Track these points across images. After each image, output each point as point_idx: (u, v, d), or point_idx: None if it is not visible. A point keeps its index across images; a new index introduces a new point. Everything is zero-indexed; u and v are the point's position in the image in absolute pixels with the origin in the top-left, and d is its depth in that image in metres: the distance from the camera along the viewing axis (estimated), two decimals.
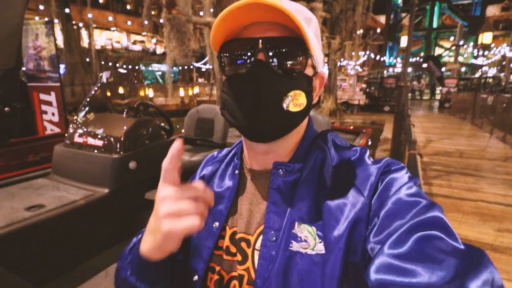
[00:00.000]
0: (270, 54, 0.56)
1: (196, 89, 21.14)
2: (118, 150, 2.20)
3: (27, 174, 2.34)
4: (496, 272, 0.40)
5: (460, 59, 28.56)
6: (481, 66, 25.51)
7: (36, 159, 3.02)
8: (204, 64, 20.84)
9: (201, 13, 10.39)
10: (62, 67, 15.49)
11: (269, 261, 0.57)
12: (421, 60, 25.29)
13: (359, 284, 0.52)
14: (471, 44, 27.07)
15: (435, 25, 28.98)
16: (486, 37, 24.03)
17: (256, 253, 0.61)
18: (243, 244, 0.63)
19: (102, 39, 25.29)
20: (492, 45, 24.94)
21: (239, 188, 0.69)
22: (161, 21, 9.93)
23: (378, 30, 31.75)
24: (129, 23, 26.77)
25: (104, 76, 2.87)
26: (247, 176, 0.68)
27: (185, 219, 0.45)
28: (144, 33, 26.89)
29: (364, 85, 21.05)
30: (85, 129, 2.39)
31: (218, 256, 0.66)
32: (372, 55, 26.46)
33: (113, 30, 26.38)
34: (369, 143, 4.34)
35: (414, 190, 0.53)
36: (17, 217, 1.71)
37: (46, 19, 4.10)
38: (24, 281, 1.10)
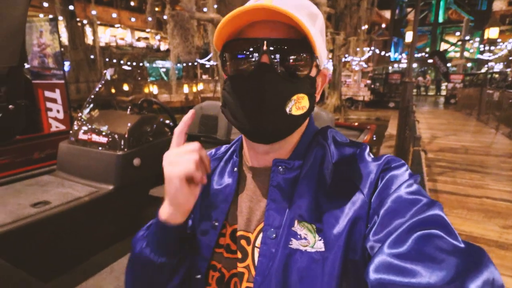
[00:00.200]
0: (275, 56, 0.54)
1: (200, 86, 21.14)
2: (122, 147, 2.21)
3: (32, 171, 2.36)
4: (496, 271, 0.40)
5: (466, 54, 28.27)
6: (487, 61, 25.23)
7: (41, 156, 3.04)
8: (208, 60, 20.83)
9: (205, 9, 10.37)
10: (66, 64, 15.55)
11: (269, 258, 0.57)
12: (427, 55, 25.06)
13: (359, 282, 0.52)
14: (477, 39, 26.75)
15: (440, 20, 28.69)
16: (492, 32, 23.69)
17: (256, 251, 0.61)
18: (243, 242, 0.64)
19: (106, 36, 25.33)
20: (499, 40, 24.60)
21: (238, 185, 0.68)
22: (165, 17, 9.93)
23: (383, 26, 31.45)
24: (133, 19, 26.80)
25: (108, 73, 2.87)
26: (247, 174, 0.68)
27: (182, 164, 0.54)
28: (148, 30, 26.90)
29: (369, 81, 20.91)
30: (89, 126, 2.40)
31: (219, 254, 0.66)
32: (377, 51, 26.28)
33: (117, 27, 26.41)
34: (374, 139, 4.32)
35: (414, 188, 0.53)
36: (23, 213, 1.73)
37: (51, 16, 4.11)
38: (30, 277, 1.12)
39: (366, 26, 15.48)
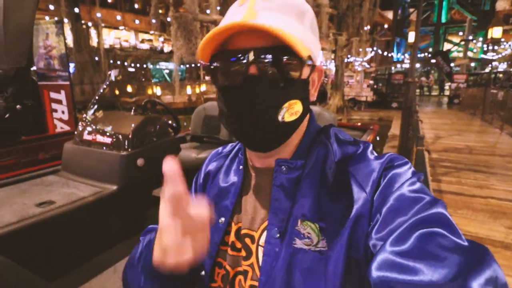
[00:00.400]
0: (263, 66, 0.53)
1: (203, 87, 21.17)
2: (126, 147, 2.22)
3: (37, 171, 2.38)
4: (500, 269, 0.39)
5: (470, 54, 28.14)
6: (491, 61, 25.12)
7: (46, 156, 3.06)
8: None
9: (208, 11, 10.40)
10: (71, 66, 15.65)
11: (273, 257, 0.58)
12: (430, 55, 24.98)
13: (362, 281, 0.52)
14: (481, 39, 26.67)
15: (443, 20, 28.61)
16: (495, 32, 23.58)
17: (260, 249, 0.61)
18: (247, 240, 0.64)
19: (110, 38, 25.47)
20: (502, 40, 24.49)
21: (244, 183, 0.69)
22: (168, 19, 9.97)
23: (386, 26, 31.40)
24: (137, 22, 26.93)
25: (113, 74, 2.89)
26: (251, 173, 0.69)
27: (189, 251, 0.42)
28: (151, 32, 27.00)
29: (371, 82, 20.86)
30: (94, 127, 2.42)
31: (224, 251, 0.67)
32: (380, 51, 26.23)
33: (122, 29, 26.55)
34: (377, 139, 4.31)
35: (417, 186, 0.53)
36: (28, 213, 1.75)
37: (56, 18, 4.15)
38: (35, 276, 1.13)
39: (369, 27, 15.44)
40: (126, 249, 2.16)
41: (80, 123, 2.57)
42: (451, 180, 4.97)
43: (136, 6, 27.57)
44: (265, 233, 0.61)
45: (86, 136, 2.38)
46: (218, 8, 10.03)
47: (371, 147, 0.62)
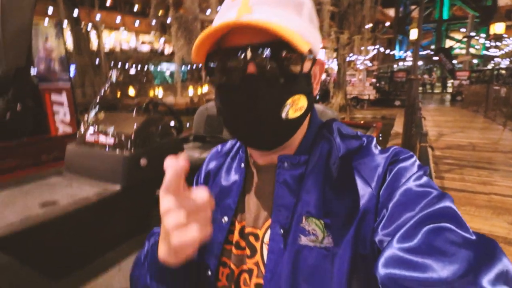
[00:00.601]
0: (261, 64, 0.51)
1: (205, 88, 21.20)
2: (129, 147, 2.23)
3: (40, 172, 2.39)
4: (509, 263, 0.39)
5: (472, 50, 28.03)
6: (493, 58, 25.00)
7: (49, 158, 3.07)
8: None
9: (208, 11, 10.42)
10: (72, 69, 15.72)
11: (277, 255, 0.57)
12: (432, 52, 24.89)
13: (368, 277, 0.51)
14: (483, 35, 26.53)
15: (445, 16, 28.51)
16: (498, 28, 23.51)
17: (265, 247, 0.61)
18: (251, 238, 0.63)
19: (110, 40, 25.54)
20: (505, 36, 24.38)
21: (246, 181, 0.68)
22: (169, 20, 9.99)
23: (387, 24, 31.33)
24: (137, 23, 26.99)
25: (114, 74, 2.90)
26: (253, 170, 0.67)
27: (193, 230, 0.41)
28: (152, 33, 27.08)
29: (374, 80, 20.84)
30: (96, 128, 2.42)
31: (228, 250, 0.66)
32: (382, 49, 26.17)
33: (122, 31, 26.62)
34: (380, 138, 4.30)
35: (423, 181, 0.52)
36: (32, 213, 1.75)
37: (56, 21, 4.16)
38: (39, 276, 1.13)
39: (370, 25, 15.40)
40: (130, 249, 2.16)
41: (82, 124, 2.58)
42: (454, 177, 4.96)
43: (136, 7, 27.62)
44: (269, 231, 0.60)
45: (89, 137, 2.39)
46: (219, 8, 10.04)
47: (374, 141, 0.61)
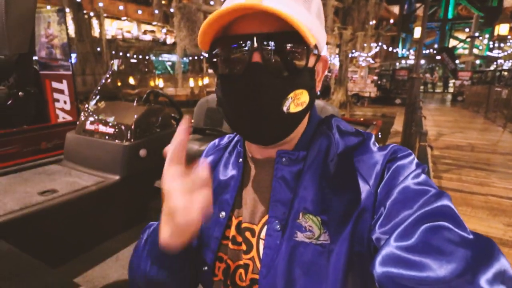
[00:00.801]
0: (267, 53, 0.50)
1: (206, 80, 21.12)
2: (128, 137, 2.23)
3: (40, 160, 2.39)
4: (507, 262, 0.39)
5: (475, 51, 27.92)
6: (496, 59, 24.91)
7: (48, 146, 3.07)
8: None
9: (212, 2, 10.35)
10: (73, 56, 15.62)
11: (274, 250, 0.57)
12: (435, 52, 24.80)
13: (364, 274, 0.52)
14: (487, 36, 26.44)
15: (450, 16, 28.37)
16: (502, 29, 23.38)
17: (261, 243, 0.61)
18: (248, 234, 0.63)
19: (112, 28, 25.34)
20: (509, 37, 24.29)
21: (243, 176, 0.67)
22: (172, 10, 9.92)
23: (391, 21, 31.15)
24: (139, 12, 26.78)
25: (116, 63, 2.89)
26: (251, 165, 0.67)
27: (198, 208, 0.44)
28: (154, 23, 26.88)
29: (375, 77, 20.76)
30: (96, 117, 2.42)
31: (225, 245, 0.66)
32: (385, 47, 26.06)
33: (124, 20, 26.42)
34: (379, 136, 4.30)
35: (421, 179, 0.51)
36: (31, 201, 1.76)
37: (58, 7, 4.12)
38: (38, 262, 1.14)
39: (374, 21, 15.32)
40: (128, 239, 2.18)
41: (82, 113, 2.57)
42: (451, 177, 4.97)
43: None
44: (266, 227, 0.60)
45: (89, 126, 2.39)
46: None
47: (373, 138, 0.61)
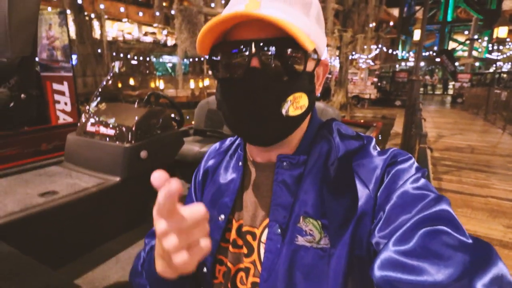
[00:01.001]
0: (265, 58, 0.51)
1: (206, 82, 21.13)
2: (129, 139, 2.23)
3: (40, 161, 2.39)
4: (505, 267, 0.39)
5: (474, 53, 27.94)
6: (495, 61, 24.90)
7: (48, 147, 3.08)
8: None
9: (212, 5, 10.37)
10: (74, 58, 15.61)
11: (274, 254, 0.57)
12: (434, 54, 24.82)
13: (364, 278, 0.52)
14: (486, 38, 26.46)
15: (449, 18, 28.38)
16: (501, 31, 23.39)
17: (262, 246, 0.61)
18: (249, 237, 0.63)
19: (113, 30, 25.36)
20: (508, 40, 24.32)
21: (243, 180, 0.68)
22: (173, 12, 9.94)
23: (391, 23, 31.18)
24: (140, 14, 26.81)
25: (117, 65, 2.89)
26: (251, 168, 0.67)
27: (194, 249, 0.40)
28: (155, 25, 26.91)
29: (375, 79, 20.77)
30: (97, 119, 2.42)
31: (225, 248, 0.66)
32: (384, 49, 26.06)
33: (125, 22, 26.44)
34: (379, 138, 4.30)
35: (421, 183, 0.51)
36: (31, 202, 1.76)
37: (60, 9, 4.13)
38: (38, 264, 1.14)
39: (374, 24, 15.32)
40: (128, 240, 2.18)
41: (83, 115, 2.58)
42: (451, 178, 4.97)
43: None
44: (266, 230, 0.60)
45: (89, 128, 2.39)
46: (223, 1, 9.99)
47: (373, 142, 0.61)
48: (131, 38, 25.55)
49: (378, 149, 0.60)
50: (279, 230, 0.58)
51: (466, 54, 27.58)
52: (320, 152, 0.61)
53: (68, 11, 15.12)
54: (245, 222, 0.65)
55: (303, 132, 0.63)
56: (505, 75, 19.04)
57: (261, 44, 0.51)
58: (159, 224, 0.39)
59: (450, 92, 22.36)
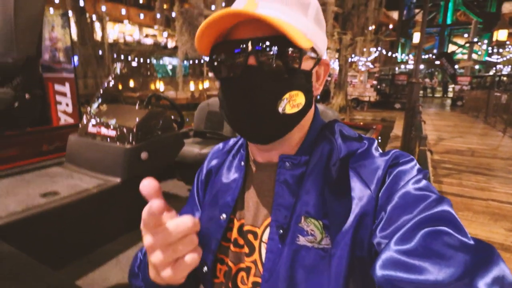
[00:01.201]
0: (262, 56, 0.53)
1: (206, 84, 21.16)
2: (130, 140, 2.23)
3: (42, 162, 2.40)
4: (507, 268, 0.39)
5: (474, 56, 28.02)
6: (495, 64, 24.98)
7: (50, 148, 3.08)
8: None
9: (213, 7, 10.40)
10: (75, 59, 15.62)
11: (276, 254, 0.57)
12: (434, 57, 24.88)
13: (365, 278, 0.52)
14: (486, 41, 26.57)
15: (449, 21, 28.51)
16: (501, 34, 23.53)
17: (263, 246, 0.61)
18: (250, 237, 0.64)
19: (114, 32, 25.42)
20: (507, 43, 24.41)
21: (246, 180, 0.68)
22: (173, 14, 9.97)
23: (391, 26, 31.27)
24: (141, 16, 26.87)
25: (118, 66, 2.91)
26: (253, 168, 0.68)
27: (184, 261, 0.41)
28: (156, 27, 26.96)
29: (375, 82, 20.80)
30: (98, 120, 2.43)
31: (226, 247, 0.66)
32: (384, 52, 26.11)
33: (126, 24, 26.50)
34: (379, 140, 4.31)
35: (422, 184, 0.52)
36: (32, 203, 1.76)
37: (62, 11, 4.15)
38: (39, 264, 1.14)
39: (374, 27, 15.36)
40: (129, 242, 2.18)
41: (84, 116, 2.58)
42: (452, 181, 4.97)
43: (141, 0, 27.49)
44: (268, 230, 0.60)
45: (91, 129, 2.40)
46: (224, 4, 10.02)
47: (375, 144, 0.62)
48: (132, 40, 25.60)
49: (380, 150, 0.61)
50: (281, 230, 0.58)
51: (465, 57, 27.68)
52: (322, 153, 0.61)
53: (70, 13, 15.15)
54: (247, 222, 0.65)
55: (304, 132, 0.63)
56: (505, 78, 19.11)
57: (257, 42, 0.52)
58: (146, 239, 0.41)
59: (450, 95, 22.42)
